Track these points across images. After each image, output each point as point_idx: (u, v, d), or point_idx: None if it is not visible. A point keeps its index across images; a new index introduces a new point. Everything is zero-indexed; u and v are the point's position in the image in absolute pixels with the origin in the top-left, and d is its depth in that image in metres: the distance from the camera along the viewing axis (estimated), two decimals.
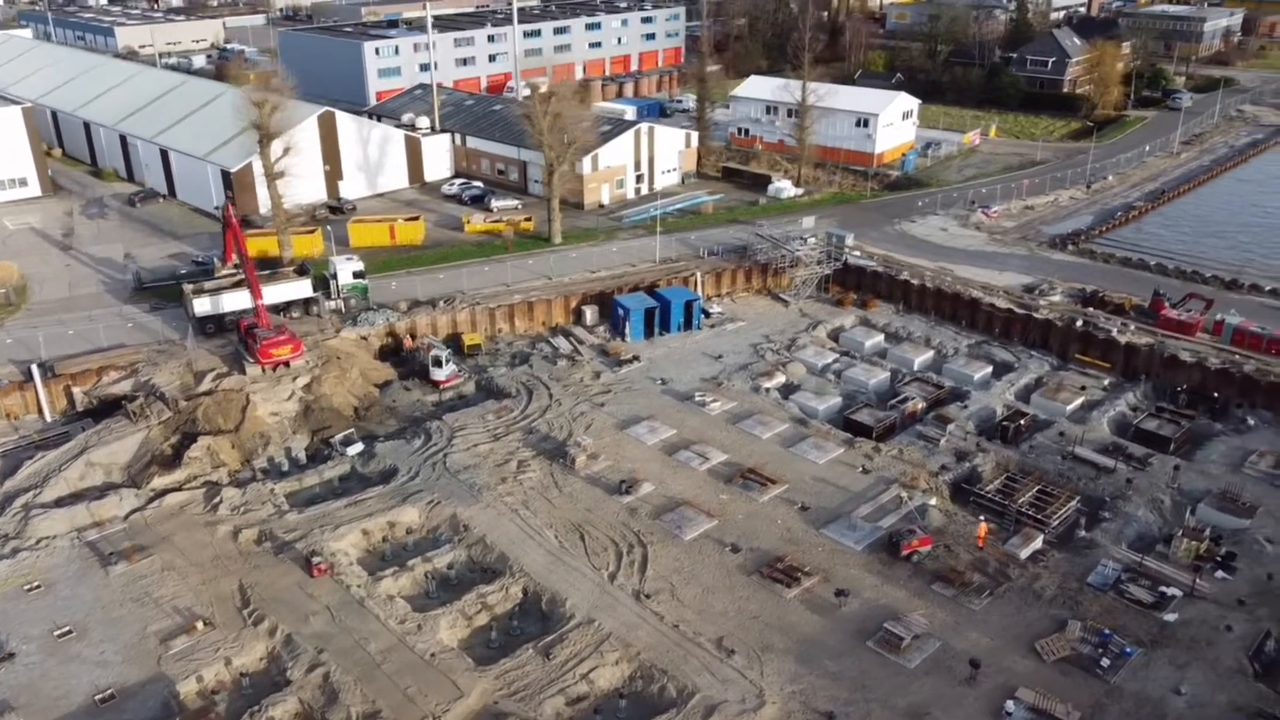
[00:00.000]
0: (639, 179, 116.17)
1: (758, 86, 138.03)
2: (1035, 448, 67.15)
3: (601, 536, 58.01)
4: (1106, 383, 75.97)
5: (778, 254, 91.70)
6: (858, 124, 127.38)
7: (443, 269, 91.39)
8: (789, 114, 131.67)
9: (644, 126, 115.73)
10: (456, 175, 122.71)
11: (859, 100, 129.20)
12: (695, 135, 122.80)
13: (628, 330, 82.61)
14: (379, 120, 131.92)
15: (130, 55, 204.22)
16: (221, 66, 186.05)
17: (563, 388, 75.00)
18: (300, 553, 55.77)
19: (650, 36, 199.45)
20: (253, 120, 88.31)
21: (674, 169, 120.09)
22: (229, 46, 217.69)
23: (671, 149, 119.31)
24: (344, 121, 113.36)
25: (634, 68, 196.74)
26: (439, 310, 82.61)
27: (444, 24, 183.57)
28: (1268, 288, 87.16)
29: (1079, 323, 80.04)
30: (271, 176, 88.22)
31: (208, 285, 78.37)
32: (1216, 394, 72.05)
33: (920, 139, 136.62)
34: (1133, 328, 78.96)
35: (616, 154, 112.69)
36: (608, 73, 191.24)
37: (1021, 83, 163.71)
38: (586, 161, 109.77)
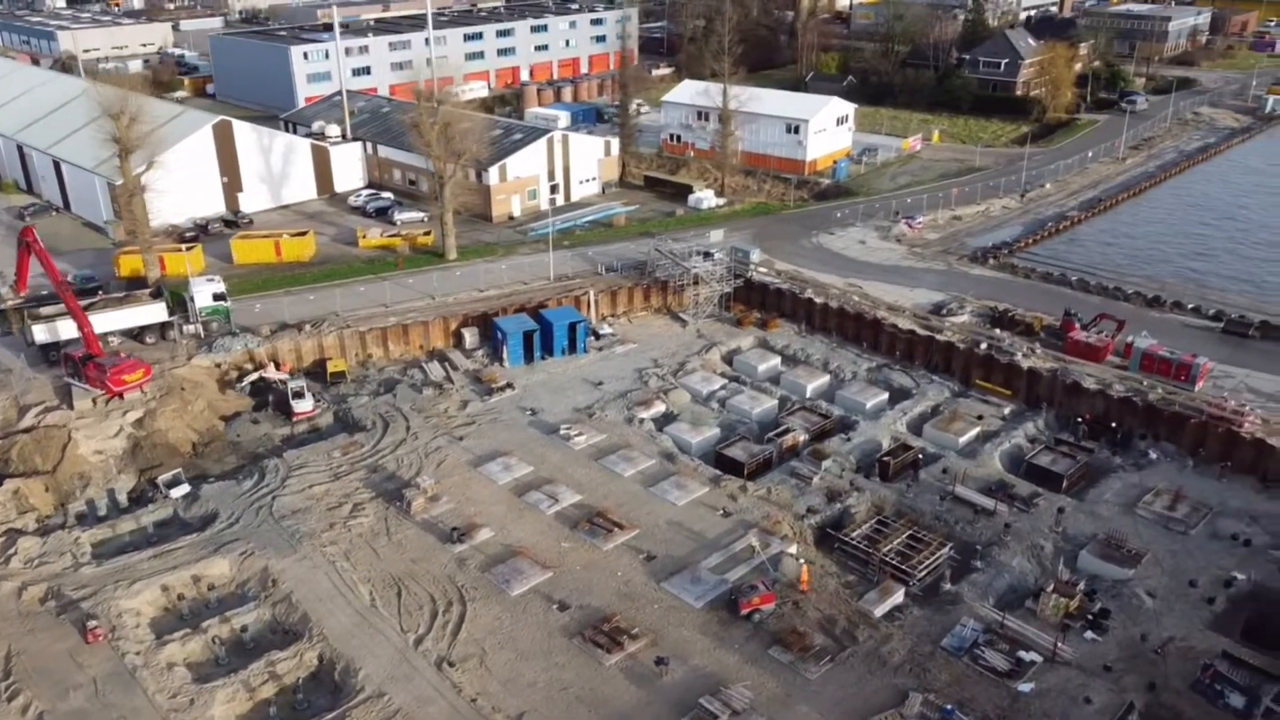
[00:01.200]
0: (554, 189, 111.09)
1: (690, 91, 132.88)
2: (915, 486, 62.15)
3: (421, 592, 53.02)
4: (1006, 411, 71.01)
5: (677, 271, 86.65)
6: (788, 130, 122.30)
7: (324, 288, 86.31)
8: (720, 120, 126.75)
9: (558, 135, 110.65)
10: (369, 185, 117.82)
11: (789, 105, 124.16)
12: (616, 143, 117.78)
13: (505, 355, 77.66)
14: (295, 128, 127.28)
15: (69, 60, 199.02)
16: (156, 72, 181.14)
17: (424, 419, 70.03)
18: (84, 613, 50.83)
19: (600, 39, 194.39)
20: (111, 134, 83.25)
21: (593, 178, 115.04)
22: (171, 51, 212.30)
23: (590, 158, 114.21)
24: (242, 131, 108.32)
25: (584, 70, 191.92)
26: (305, 335, 77.61)
27: (384, 27, 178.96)
28: (1190, 305, 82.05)
29: (983, 345, 75.04)
30: (131, 193, 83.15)
31: (45, 311, 73.32)
32: (1115, 424, 67.07)
33: (860, 144, 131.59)
34: (1039, 351, 73.94)
35: (527, 164, 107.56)
36: (555, 75, 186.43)
37: (973, 85, 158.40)
38: (493, 172, 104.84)
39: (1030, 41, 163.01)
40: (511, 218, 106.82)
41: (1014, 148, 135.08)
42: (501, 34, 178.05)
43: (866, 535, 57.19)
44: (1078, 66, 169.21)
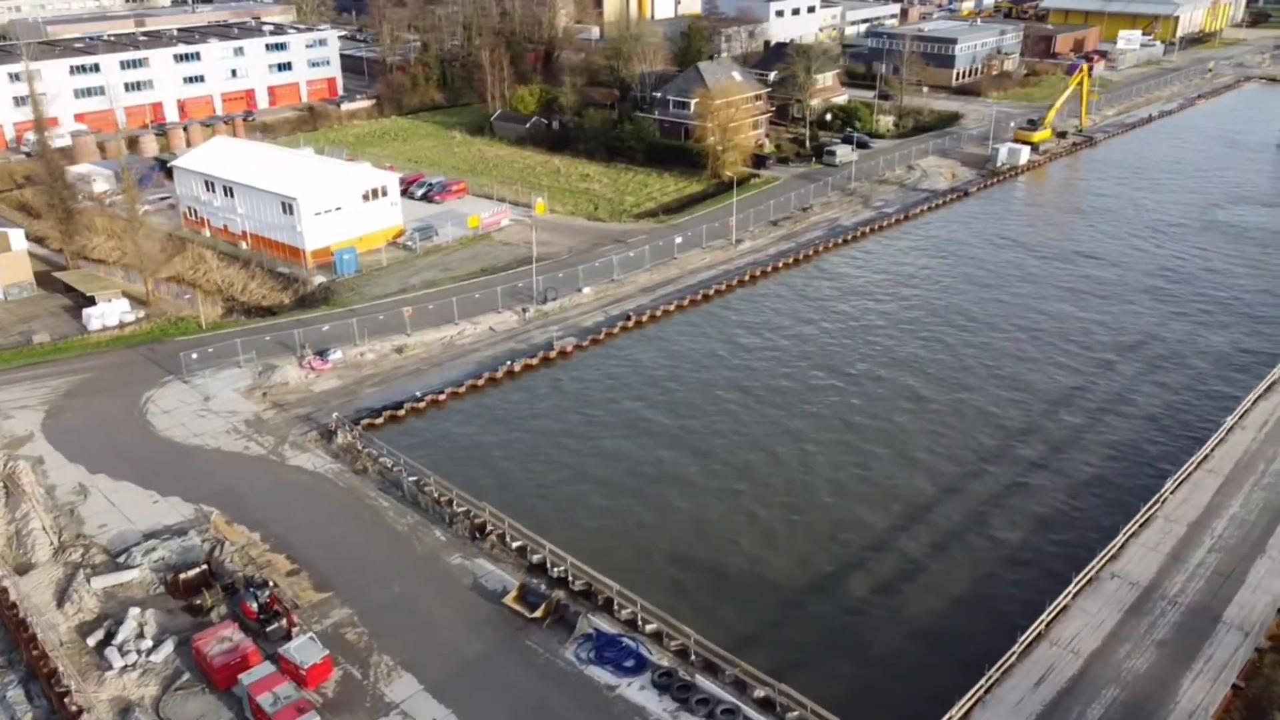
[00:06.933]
0: None
1: (216, 151, 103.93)
2: None
3: None
4: None
5: None
6: (284, 209, 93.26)
7: None
8: (226, 192, 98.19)
9: None
10: None
11: (284, 176, 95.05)
12: (19, 234, 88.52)
13: None
14: None
15: None
16: None
17: None
18: None
19: (284, 66, 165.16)
20: None
21: None
22: None
23: None
24: None
25: (262, 105, 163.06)
26: None
27: None
28: (515, 544, 52.52)
29: (93, 639, 46.01)
30: None
31: None
32: None
33: (427, 219, 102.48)
34: (160, 659, 44.98)
35: None
36: (218, 112, 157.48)
37: (650, 130, 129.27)
38: None
39: (736, 76, 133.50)
40: None
41: (649, 221, 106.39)
42: (130, 65, 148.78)
43: None
44: (815, 102, 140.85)
